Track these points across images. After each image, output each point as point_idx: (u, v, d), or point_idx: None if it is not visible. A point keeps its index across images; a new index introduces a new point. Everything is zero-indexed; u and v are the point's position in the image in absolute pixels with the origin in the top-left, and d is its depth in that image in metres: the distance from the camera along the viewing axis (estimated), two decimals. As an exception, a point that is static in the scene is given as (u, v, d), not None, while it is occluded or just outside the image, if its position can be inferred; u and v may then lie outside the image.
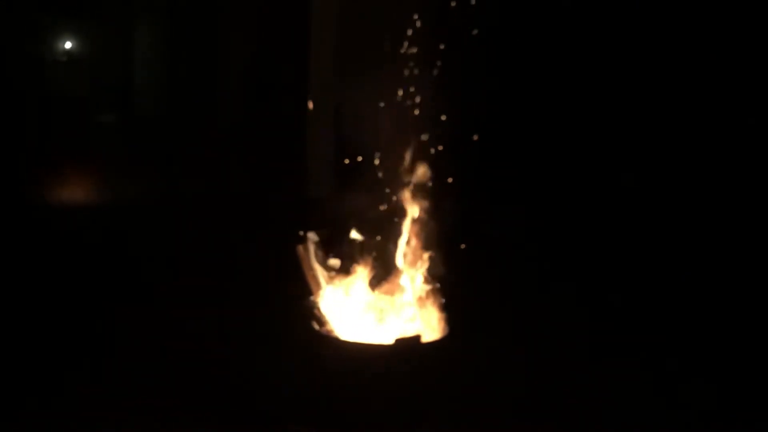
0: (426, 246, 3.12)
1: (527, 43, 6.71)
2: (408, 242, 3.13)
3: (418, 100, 3.15)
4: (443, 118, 3.18)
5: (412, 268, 3.14)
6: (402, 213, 3.16)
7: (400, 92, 3.12)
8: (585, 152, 7.24)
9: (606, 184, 7.14)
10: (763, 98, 6.72)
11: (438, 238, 3.16)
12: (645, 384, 3.93)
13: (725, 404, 3.74)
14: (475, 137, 3.49)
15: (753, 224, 6.38)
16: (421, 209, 3.15)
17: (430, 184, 3.17)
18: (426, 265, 3.12)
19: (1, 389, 3.67)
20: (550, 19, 6.91)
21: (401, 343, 2.79)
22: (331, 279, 3.15)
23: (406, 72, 3.12)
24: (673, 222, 6.71)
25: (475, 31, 3.29)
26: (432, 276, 3.12)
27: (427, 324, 3.08)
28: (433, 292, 3.13)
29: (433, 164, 3.23)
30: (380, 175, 3.19)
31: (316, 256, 3.17)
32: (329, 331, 2.96)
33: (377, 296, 3.15)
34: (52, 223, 7.27)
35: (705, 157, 6.92)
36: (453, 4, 3.23)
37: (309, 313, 3.01)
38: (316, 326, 2.97)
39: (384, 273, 3.15)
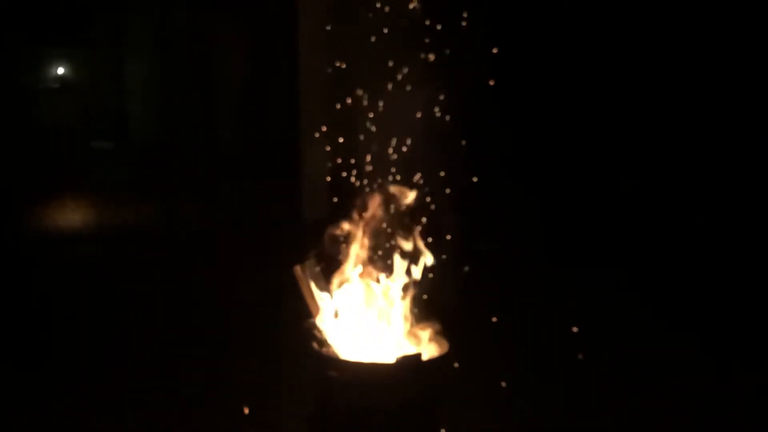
0: (424, 261, 3.10)
1: (532, 53, 6.75)
2: (404, 258, 3.11)
3: (416, 114, 3.15)
4: (442, 131, 3.18)
5: (410, 285, 3.12)
6: (398, 230, 3.15)
7: (398, 107, 3.12)
8: (587, 161, 7.26)
9: (607, 192, 7.17)
10: (763, 106, 6.77)
11: (436, 254, 3.14)
12: (649, 391, 3.92)
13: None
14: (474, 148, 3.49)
15: (753, 227, 6.41)
16: (418, 225, 3.13)
17: (427, 200, 3.16)
18: (423, 281, 3.10)
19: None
20: (555, 30, 6.96)
21: (402, 361, 2.77)
22: (329, 299, 3.13)
23: (403, 86, 3.12)
24: (674, 227, 6.73)
25: (475, 41, 3.30)
26: (431, 290, 3.10)
27: (428, 341, 3.06)
28: (433, 308, 3.11)
29: (432, 178, 3.22)
30: (376, 192, 3.17)
31: (314, 276, 3.15)
32: (329, 351, 2.94)
33: (375, 313, 3.13)
34: (47, 248, 7.26)
35: (705, 164, 6.95)
36: (453, 11, 3.24)
37: (308, 334, 2.99)
38: (316, 347, 2.94)
39: (380, 289, 3.13)
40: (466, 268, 4.02)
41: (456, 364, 3.06)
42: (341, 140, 3.27)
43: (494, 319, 3.58)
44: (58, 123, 14.40)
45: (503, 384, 3.40)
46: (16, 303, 5.45)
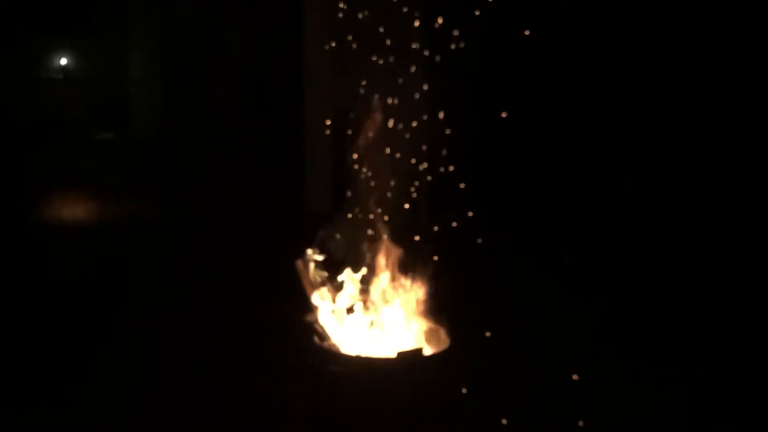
0: (424, 258, 3.10)
1: (528, 54, 6.73)
2: (405, 254, 3.11)
3: (417, 109, 3.14)
4: (443, 126, 3.17)
5: (411, 280, 3.12)
6: (398, 225, 3.14)
7: (398, 101, 3.11)
8: (586, 160, 7.26)
9: (606, 191, 7.16)
10: (761, 108, 6.75)
11: (437, 249, 3.14)
12: (646, 389, 3.91)
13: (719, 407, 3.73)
14: (475, 145, 3.48)
15: (749, 228, 6.40)
16: (420, 220, 3.13)
17: (428, 194, 3.16)
18: (424, 277, 3.10)
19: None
20: (552, 29, 6.94)
21: (403, 356, 2.77)
22: (330, 293, 3.13)
23: (403, 82, 3.11)
24: (672, 227, 6.72)
25: (474, 40, 3.29)
26: (432, 287, 3.10)
27: (429, 336, 3.06)
28: (434, 304, 3.11)
29: (433, 174, 3.21)
30: (377, 188, 3.17)
31: (316, 270, 3.15)
32: (330, 346, 2.94)
33: (377, 309, 3.13)
34: (49, 241, 7.26)
35: (703, 164, 6.94)
36: (450, 12, 3.24)
37: (309, 328, 2.98)
38: (317, 341, 2.94)
39: (381, 285, 3.12)
40: (480, 240, 3.99)
41: (464, 390, 3.08)
42: (345, 134, 3.26)
43: (488, 334, 3.57)
44: (61, 114, 14.38)
45: (504, 421, 3.38)
46: (18, 295, 5.45)
